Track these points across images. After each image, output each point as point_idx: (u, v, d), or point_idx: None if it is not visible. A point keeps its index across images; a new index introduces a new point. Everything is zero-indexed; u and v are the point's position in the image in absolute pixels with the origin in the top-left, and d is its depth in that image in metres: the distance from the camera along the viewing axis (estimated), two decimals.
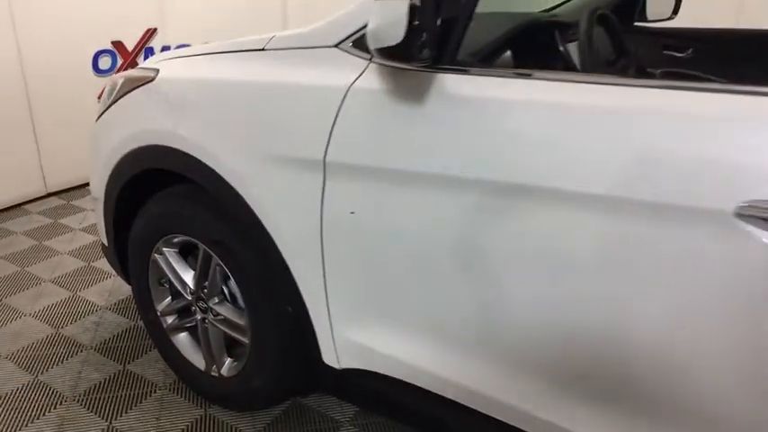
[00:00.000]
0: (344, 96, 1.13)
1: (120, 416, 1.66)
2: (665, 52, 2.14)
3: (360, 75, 1.13)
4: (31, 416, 1.66)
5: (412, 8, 0.88)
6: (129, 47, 3.41)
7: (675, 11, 2.28)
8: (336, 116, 1.13)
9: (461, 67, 1.07)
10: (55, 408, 1.69)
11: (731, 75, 1.82)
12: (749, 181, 0.77)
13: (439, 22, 0.97)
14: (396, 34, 0.90)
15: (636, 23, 2.23)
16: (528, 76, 1.04)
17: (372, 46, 0.96)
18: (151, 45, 3.53)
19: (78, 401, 1.72)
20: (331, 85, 1.15)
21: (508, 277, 1.03)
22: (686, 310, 0.85)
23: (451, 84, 1.05)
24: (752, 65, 1.90)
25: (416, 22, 0.88)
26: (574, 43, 1.70)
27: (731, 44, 2.03)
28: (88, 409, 1.69)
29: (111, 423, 1.64)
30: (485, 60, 1.29)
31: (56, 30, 3.04)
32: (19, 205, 3.18)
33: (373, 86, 1.10)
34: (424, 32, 0.91)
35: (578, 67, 1.51)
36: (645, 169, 0.85)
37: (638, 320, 0.91)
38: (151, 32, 3.50)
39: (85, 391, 1.76)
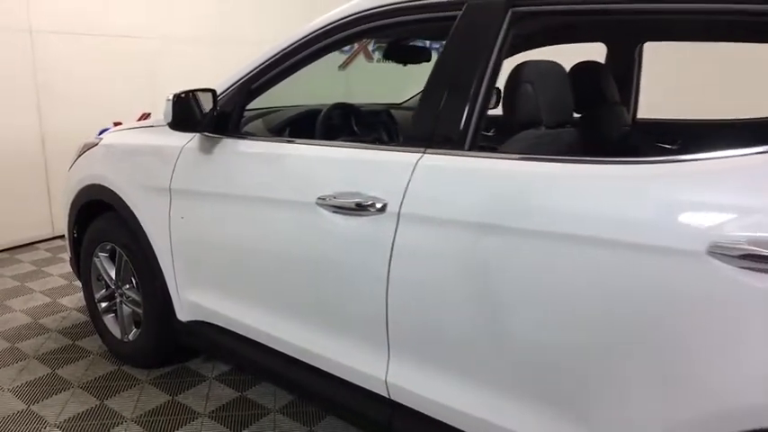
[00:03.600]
0: (180, 151, 1.99)
1: (61, 368, 2.45)
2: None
3: (190, 139, 1.99)
4: (3, 365, 2.46)
5: (174, 105, 1.75)
6: None
7: (497, 103, 3.12)
8: (176, 162, 1.99)
9: (242, 135, 1.92)
10: (20, 362, 2.50)
11: None
12: (318, 186, 1.58)
13: (216, 112, 1.84)
14: (168, 116, 1.77)
15: None
16: (291, 141, 1.89)
17: (165, 122, 1.83)
18: None
19: (37, 359, 2.52)
20: (175, 145, 2.01)
21: (263, 249, 1.81)
22: (318, 259, 1.65)
23: (233, 144, 1.89)
24: None
25: (179, 112, 1.76)
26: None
27: None
28: (42, 363, 2.49)
29: (54, 371, 2.42)
30: (278, 132, 2.16)
31: (71, 109, 4.09)
32: (31, 243, 4.12)
33: (194, 145, 1.96)
34: (185, 118, 1.78)
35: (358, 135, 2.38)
36: (299, 182, 1.67)
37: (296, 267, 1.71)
38: (146, 116, 4.51)
39: (44, 353, 2.57)
